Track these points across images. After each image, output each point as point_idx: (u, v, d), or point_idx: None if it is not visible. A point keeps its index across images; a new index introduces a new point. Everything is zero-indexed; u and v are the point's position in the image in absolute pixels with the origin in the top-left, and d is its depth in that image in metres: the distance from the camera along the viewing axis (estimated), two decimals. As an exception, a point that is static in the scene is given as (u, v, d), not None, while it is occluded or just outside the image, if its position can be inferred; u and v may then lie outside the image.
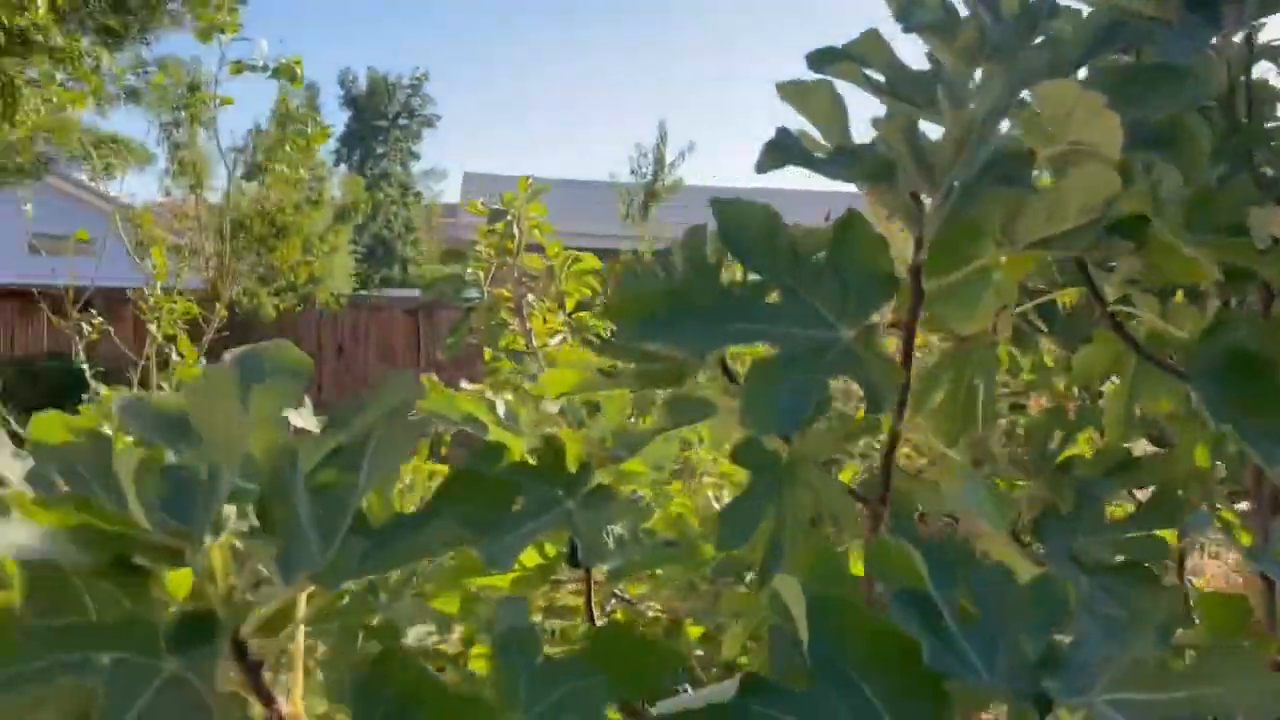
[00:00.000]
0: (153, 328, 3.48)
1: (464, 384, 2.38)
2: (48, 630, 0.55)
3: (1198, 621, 1.32)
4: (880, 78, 1.02)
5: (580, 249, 2.37)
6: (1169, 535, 1.69)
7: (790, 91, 0.88)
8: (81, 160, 7.12)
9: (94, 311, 3.65)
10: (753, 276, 0.84)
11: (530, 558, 1.28)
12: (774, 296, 0.83)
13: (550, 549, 1.29)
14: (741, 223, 0.82)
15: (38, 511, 0.55)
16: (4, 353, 12.17)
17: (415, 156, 39.32)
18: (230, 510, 0.70)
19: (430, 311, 13.25)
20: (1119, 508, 1.51)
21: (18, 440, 0.70)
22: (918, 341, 1.07)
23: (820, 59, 1.00)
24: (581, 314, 2.27)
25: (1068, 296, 1.88)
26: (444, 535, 0.66)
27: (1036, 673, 0.69)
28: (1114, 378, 1.51)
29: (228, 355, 0.75)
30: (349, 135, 38.01)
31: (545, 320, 2.21)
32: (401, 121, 39.07)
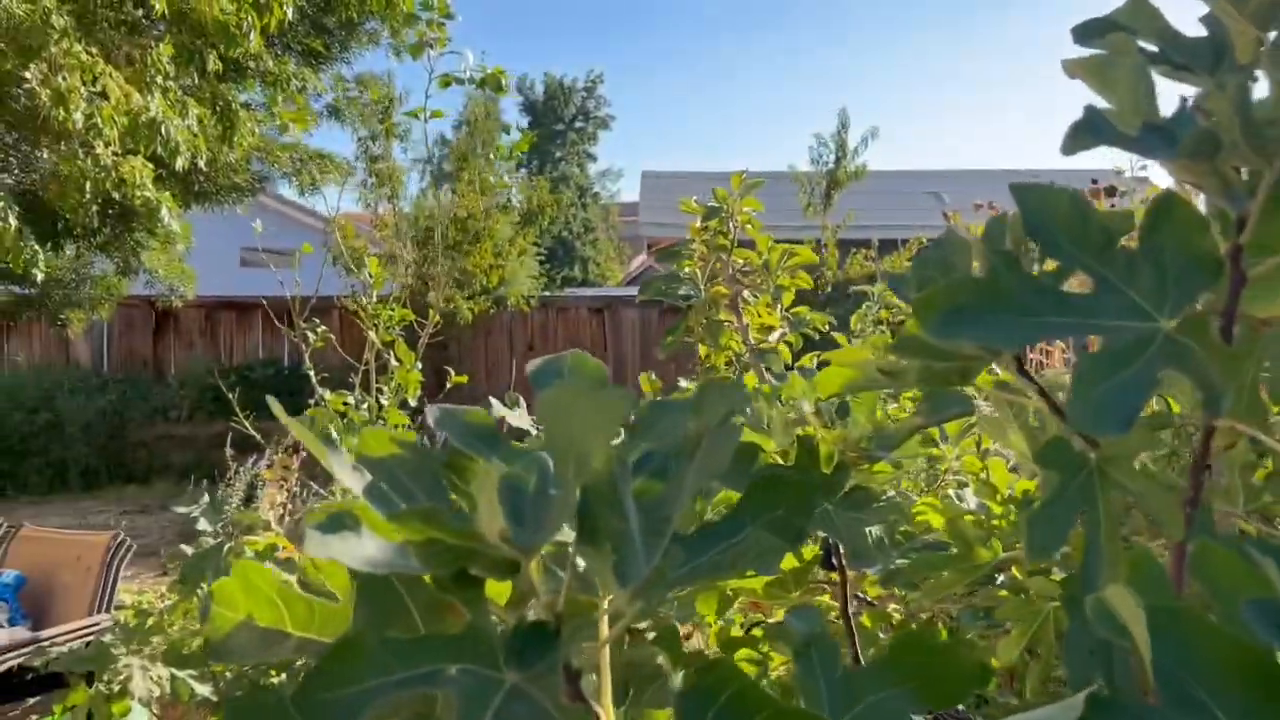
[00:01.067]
0: (371, 334, 3.63)
1: (682, 382, 2.38)
2: (398, 644, 0.56)
3: None
4: (1153, 47, 0.95)
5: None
6: None
7: (1086, 67, 0.82)
8: (291, 177, 7.54)
9: (317, 321, 3.84)
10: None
11: (787, 561, 1.26)
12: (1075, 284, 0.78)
13: (807, 552, 1.27)
14: (1047, 209, 0.77)
15: (387, 526, 0.56)
16: (225, 360, 13.04)
17: (592, 158, 39.94)
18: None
19: (614, 310, 13.42)
20: None
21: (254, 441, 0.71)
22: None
23: (1087, 31, 0.93)
24: (799, 309, 2.23)
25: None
26: (761, 543, 0.64)
27: None
28: None
29: (531, 365, 0.75)
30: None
31: (762, 316, 2.18)
32: (578, 124, 39.77)
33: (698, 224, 2.25)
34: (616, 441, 0.73)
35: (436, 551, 0.56)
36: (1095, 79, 0.82)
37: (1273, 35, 0.92)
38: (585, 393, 0.51)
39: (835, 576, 1.34)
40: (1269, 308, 1.05)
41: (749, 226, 2.26)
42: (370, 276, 3.74)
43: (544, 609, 0.62)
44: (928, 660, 0.81)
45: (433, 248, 9.83)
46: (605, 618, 0.70)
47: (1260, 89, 0.85)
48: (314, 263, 4.38)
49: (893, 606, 1.59)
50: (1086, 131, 0.76)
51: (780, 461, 1.24)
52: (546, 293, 13.60)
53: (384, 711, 0.55)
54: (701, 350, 2.27)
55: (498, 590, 0.69)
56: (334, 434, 2.73)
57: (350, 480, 0.60)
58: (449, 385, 3.68)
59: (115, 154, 5.30)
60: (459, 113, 10.56)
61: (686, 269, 2.18)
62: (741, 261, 2.22)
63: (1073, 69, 0.84)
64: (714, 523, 0.70)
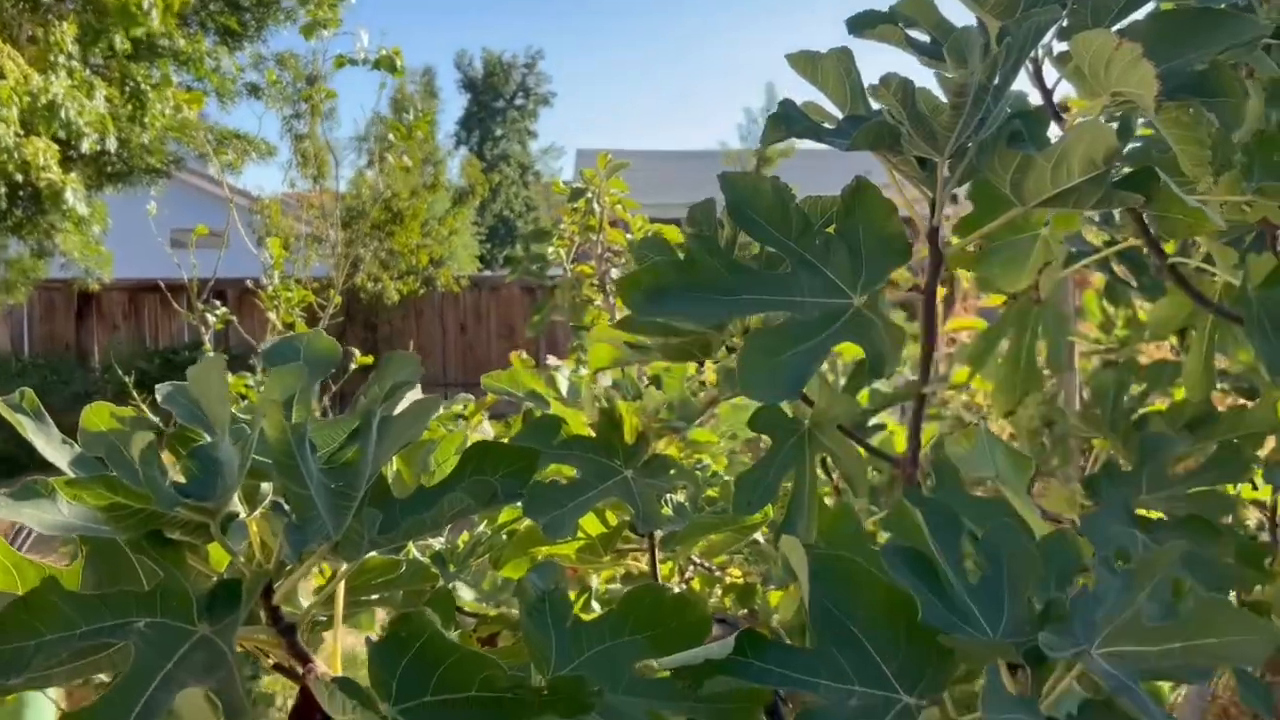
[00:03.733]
0: (272, 316, 3.65)
1: (550, 360, 2.44)
2: (84, 600, 0.62)
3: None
4: (926, 39, 1.02)
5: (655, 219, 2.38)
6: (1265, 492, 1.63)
7: (800, 62, 0.89)
8: (208, 157, 7.46)
9: (218, 303, 3.84)
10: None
11: (594, 526, 1.33)
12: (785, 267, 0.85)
13: (613, 518, 1.34)
14: (751, 196, 0.84)
15: (74, 492, 0.61)
16: (150, 344, 12.86)
17: (533, 135, 39.72)
18: (268, 488, 0.76)
19: (547, 290, 13.41)
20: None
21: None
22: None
23: (860, 23, 1.00)
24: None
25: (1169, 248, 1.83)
26: (455, 504, 0.70)
27: (1038, 626, 0.70)
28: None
29: (263, 347, 0.80)
30: (468, 118, 38.61)
31: (627, 294, 2.24)
32: (518, 101, 39.50)
33: (567, 205, 2.32)
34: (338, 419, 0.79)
35: (121, 515, 0.62)
36: (808, 72, 0.89)
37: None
38: (215, 368, 0.56)
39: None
40: (1010, 282, 1.14)
41: (619, 207, 2.32)
42: (271, 257, 3.74)
43: (242, 569, 0.67)
44: (656, 612, 0.88)
45: (359, 227, 9.77)
46: (336, 576, 0.76)
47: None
48: (243, 244, 4.37)
49: (731, 571, 1.67)
50: (782, 123, 0.83)
51: (591, 434, 1.30)
52: (486, 272, 13.54)
53: (66, 661, 0.61)
54: (574, 329, 2.34)
55: (222, 557, 0.75)
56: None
57: (54, 454, 0.65)
58: (354, 366, 3.70)
59: (18, 135, 5.22)
60: (391, 91, 10.47)
61: (553, 249, 2.24)
62: (609, 242, 2.28)
63: (792, 63, 0.91)
64: (424, 487, 0.76)
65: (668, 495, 1.34)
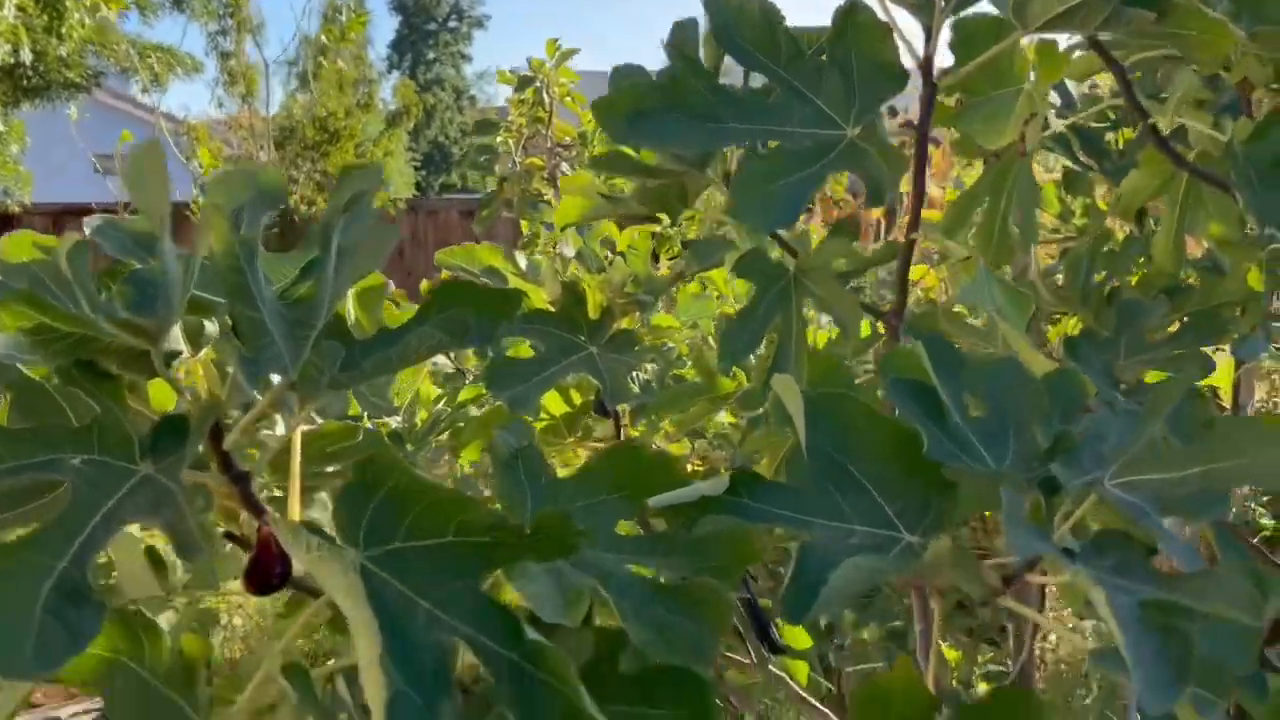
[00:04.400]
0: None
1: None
2: (21, 432, 0.55)
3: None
4: None
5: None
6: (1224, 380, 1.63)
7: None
8: (131, 72, 7.14)
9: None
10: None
11: (557, 406, 1.28)
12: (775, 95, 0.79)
13: (578, 397, 1.29)
14: (737, 18, 0.78)
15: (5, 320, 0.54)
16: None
17: (467, 59, 38.82)
18: (214, 328, 0.70)
19: (499, 184, 13.12)
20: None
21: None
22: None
23: None
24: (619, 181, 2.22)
25: (1123, 135, 1.80)
26: (426, 338, 0.65)
27: (1045, 460, 0.67)
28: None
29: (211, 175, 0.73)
30: (399, 41, 37.60)
31: (579, 188, 2.16)
32: (451, 24, 38.53)
33: (514, 96, 2.23)
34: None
35: (49, 339, 0.55)
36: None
37: None
38: (153, 151, 0.49)
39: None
40: (992, 138, 1.09)
41: (569, 99, 2.24)
42: (202, 168, 3.59)
43: (190, 406, 0.61)
44: (636, 470, 0.83)
45: (291, 148, 9.49)
46: (293, 422, 0.70)
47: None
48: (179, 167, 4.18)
49: (695, 460, 1.64)
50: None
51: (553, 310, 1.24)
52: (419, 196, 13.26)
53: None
54: (523, 225, 2.26)
55: (164, 395, 0.68)
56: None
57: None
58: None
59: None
60: (320, 5, 10.10)
61: (501, 140, 2.15)
62: (559, 134, 2.20)
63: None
64: (392, 327, 0.70)
65: (635, 373, 1.29)
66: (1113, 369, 1.10)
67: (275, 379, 0.59)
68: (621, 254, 1.25)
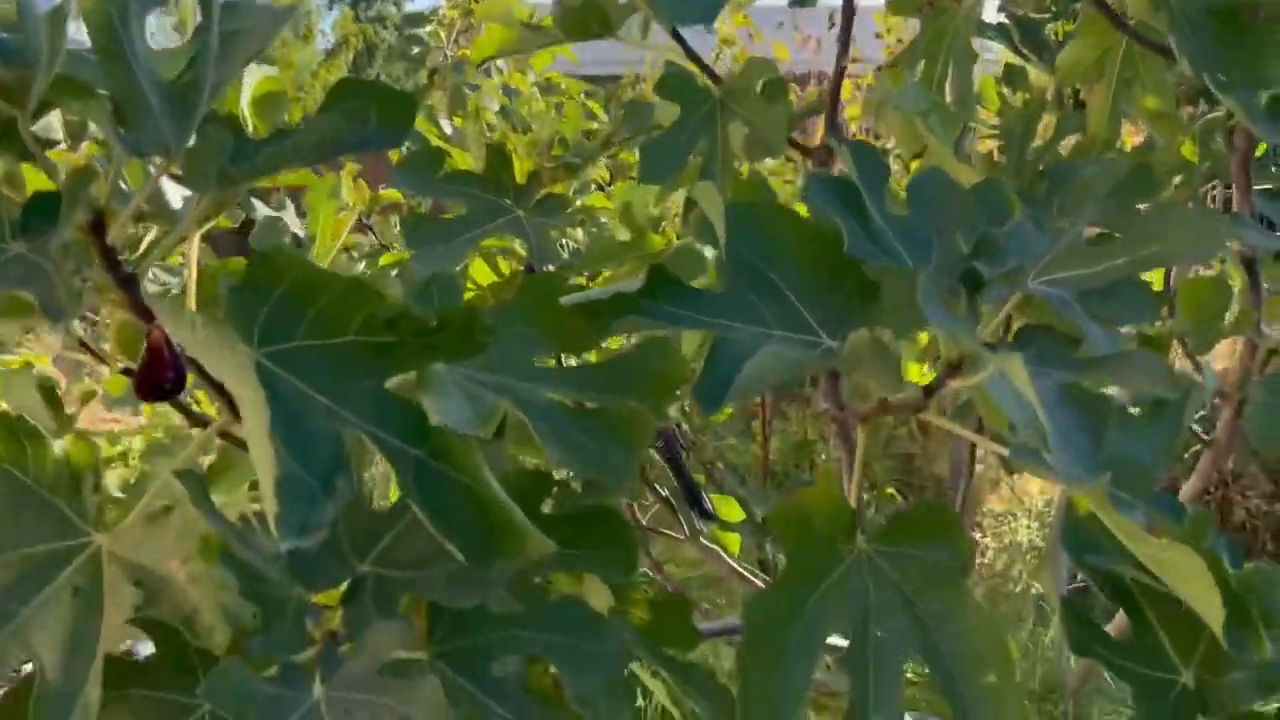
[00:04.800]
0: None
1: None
2: None
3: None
4: None
5: (584, 77, 2.24)
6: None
7: None
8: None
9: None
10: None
11: (484, 276, 1.24)
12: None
13: (506, 266, 1.25)
14: None
15: None
16: None
17: (409, -5, 37.97)
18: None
19: (429, 76, 12.88)
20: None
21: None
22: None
23: None
24: (553, 75, 2.17)
25: (1063, 27, 1.78)
26: (322, 130, 0.61)
27: (968, 262, 0.65)
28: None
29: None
30: (339, -25, 36.64)
31: (514, 79, 2.11)
32: (392, -42, 37.57)
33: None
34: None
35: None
36: None
37: None
38: None
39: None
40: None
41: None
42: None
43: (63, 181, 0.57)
44: (552, 306, 0.80)
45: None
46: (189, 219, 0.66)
47: None
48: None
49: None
50: None
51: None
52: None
53: None
54: (457, 120, 2.20)
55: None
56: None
57: None
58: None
59: None
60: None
61: (431, 29, 2.08)
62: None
63: None
64: (287, 128, 0.66)
65: (565, 241, 1.26)
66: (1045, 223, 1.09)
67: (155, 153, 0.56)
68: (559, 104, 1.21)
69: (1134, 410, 0.72)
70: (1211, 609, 0.57)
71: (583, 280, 1.12)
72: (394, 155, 1.65)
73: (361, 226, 1.35)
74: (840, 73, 0.81)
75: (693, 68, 0.83)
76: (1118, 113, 1.38)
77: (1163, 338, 1.27)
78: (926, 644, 0.69)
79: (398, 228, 1.49)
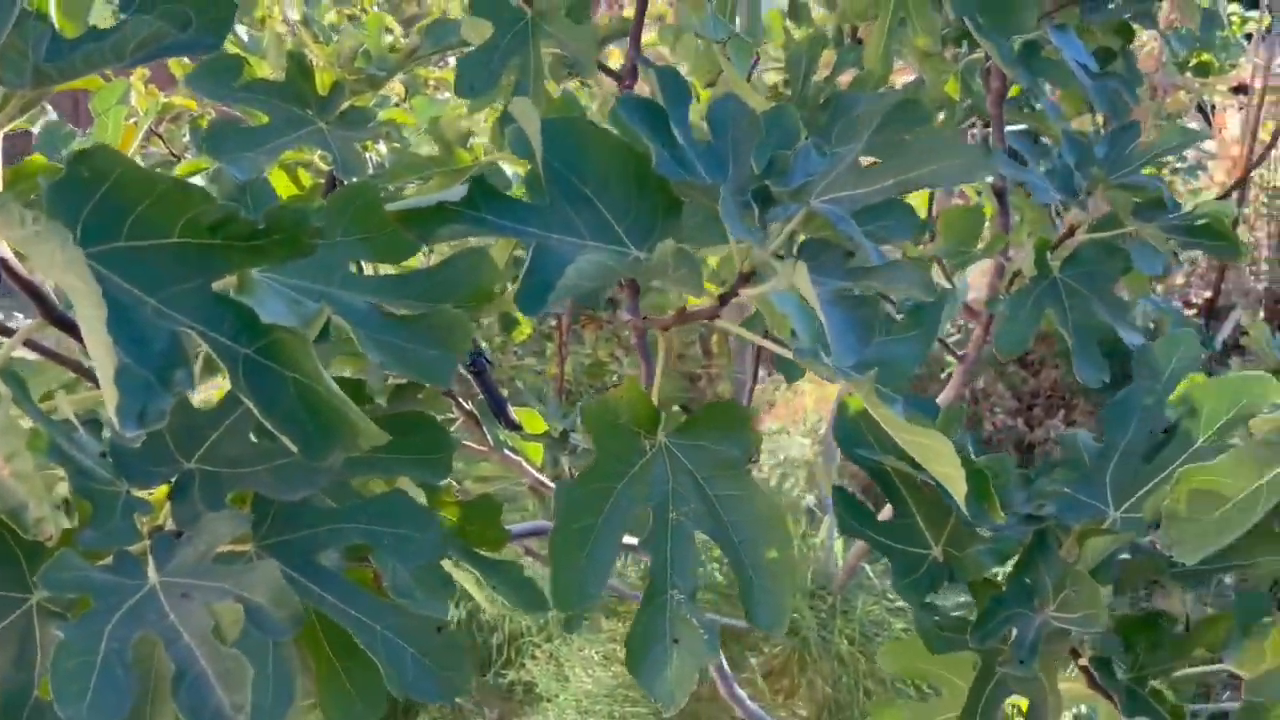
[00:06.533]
0: None
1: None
2: None
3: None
4: None
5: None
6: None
7: None
8: None
9: None
10: None
11: (285, 188, 1.23)
12: None
13: (306, 178, 1.25)
14: None
15: None
16: None
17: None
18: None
19: None
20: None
21: None
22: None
23: None
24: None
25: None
26: (141, 30, 0.61)
27: (760, 181, 0.72)
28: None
29: None
30: None
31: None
32: None
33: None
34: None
35: None
36: None
37: None
38: None
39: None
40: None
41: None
42: None
43: None
44: (370, 215, 0.82)
45: None
46: None
47: None
48: None
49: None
50: None
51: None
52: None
53: None
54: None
55: None
56: None
57: None
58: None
59: None
60: None
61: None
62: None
63: None
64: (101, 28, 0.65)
65: (370, 155, 1.27)
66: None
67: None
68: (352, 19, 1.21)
69: (897, 317, 0.82)
70: (956, 485, 0.67)
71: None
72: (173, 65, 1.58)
73: (150, 135, 1.31)
74: (642, 9, 0.86)
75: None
76: (890, 51, 1.49)
77: (924, 259, 1.40)
78: (717, 525, 0.77)
79: (187, 137, 1.45)
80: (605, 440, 0.75)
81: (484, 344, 1.97)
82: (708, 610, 0.86)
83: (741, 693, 1.42)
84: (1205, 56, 4.36)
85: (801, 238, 0.73)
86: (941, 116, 1.53)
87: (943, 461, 0.69)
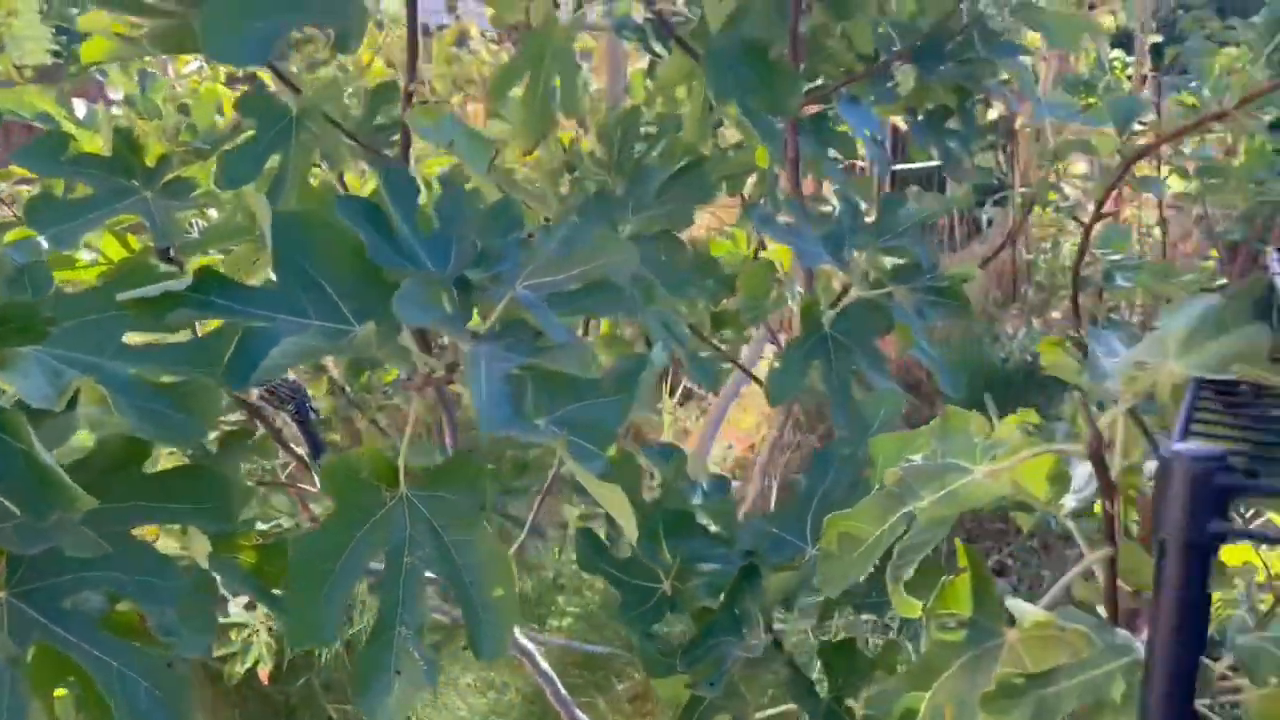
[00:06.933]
0: None
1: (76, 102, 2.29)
2: None
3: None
4: None
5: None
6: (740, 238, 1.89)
7: None
8: None
9: None
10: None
11: (115, 250, 1.32)
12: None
13: (135, 243, 1.33)
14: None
15: None
16: None
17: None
18: None
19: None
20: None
21: None
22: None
23: None
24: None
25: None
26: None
27: (474, 266, 0.82)
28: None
29: None
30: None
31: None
32: None
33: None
34: None
35: None
36: None
37: None
38: None
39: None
40: (510, 12, 1.23)
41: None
42: None
43: None
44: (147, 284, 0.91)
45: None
46: None
47: None
48: None
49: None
50: None
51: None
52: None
53: None
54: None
55: None
56: None
57: None
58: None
59: None
60: None
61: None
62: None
63: None
64: None
65: (196, 221, 1.36)
66: (615, 220, 1.29)
67: None
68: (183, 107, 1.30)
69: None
70: (629, 528, 0.78)
71: (211, 259, 1.22)
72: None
73: (-4, 198, 1.39)
74: (408, 97, 0.97)
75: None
76: (705, 121, 1.61)
77: (729, 313, 1.52)
78: (450, 567, 0.87)
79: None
80: (345, 493, 0.84)
81: (348, 386, 2.06)
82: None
83: (566, 696, 1.52)
84: (1092, 99, 4.58)
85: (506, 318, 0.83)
86: (753, 180, 1.65)
87: (619, 509, 0.80)
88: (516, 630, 1.52)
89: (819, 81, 1.57)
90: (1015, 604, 0.70)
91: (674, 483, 1.02)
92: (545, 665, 1.55)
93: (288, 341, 0.72)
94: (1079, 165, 4.86)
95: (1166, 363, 0.69)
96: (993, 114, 2.62)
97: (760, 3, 1.27)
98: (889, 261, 1.35)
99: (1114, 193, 4.42)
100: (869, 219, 1.37)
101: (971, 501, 0.72)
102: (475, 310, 0.83)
